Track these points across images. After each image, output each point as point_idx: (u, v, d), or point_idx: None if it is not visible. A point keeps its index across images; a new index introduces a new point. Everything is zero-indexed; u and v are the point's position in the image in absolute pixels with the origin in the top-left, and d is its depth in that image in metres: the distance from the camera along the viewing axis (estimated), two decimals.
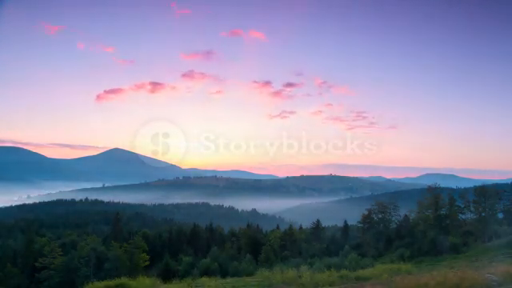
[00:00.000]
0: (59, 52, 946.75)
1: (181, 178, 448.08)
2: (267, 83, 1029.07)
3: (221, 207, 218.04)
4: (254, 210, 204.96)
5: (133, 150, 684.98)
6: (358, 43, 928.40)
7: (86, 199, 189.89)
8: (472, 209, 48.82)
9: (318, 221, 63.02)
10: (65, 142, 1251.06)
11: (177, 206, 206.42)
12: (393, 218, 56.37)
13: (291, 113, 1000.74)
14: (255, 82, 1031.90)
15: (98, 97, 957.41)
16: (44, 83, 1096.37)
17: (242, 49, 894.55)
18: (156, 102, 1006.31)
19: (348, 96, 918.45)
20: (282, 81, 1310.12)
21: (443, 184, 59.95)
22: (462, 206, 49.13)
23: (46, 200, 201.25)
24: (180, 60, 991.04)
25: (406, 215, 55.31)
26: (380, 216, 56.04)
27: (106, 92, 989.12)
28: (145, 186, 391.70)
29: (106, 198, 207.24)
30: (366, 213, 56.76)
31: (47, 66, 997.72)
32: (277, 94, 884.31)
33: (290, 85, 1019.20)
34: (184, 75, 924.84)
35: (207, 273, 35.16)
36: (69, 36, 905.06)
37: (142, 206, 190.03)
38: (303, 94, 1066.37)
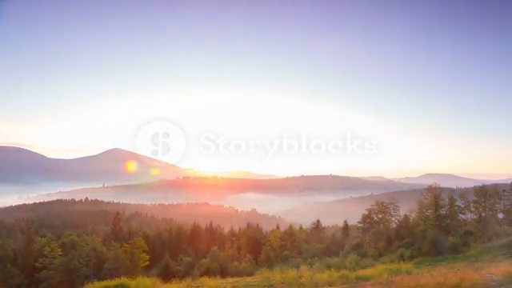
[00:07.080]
0: (61, 51, 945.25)
1: (181, 178, 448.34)
2: None
3: (221, 207, 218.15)
4: (253, 210, 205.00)
5: (133, 150, 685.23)
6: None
7: (86, 199, 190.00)
8: (472, 209, 48.85)
9: (318, 221, 63.04)
10: (65, 142, 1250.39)
11: (177, 206, 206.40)
12: (393, 218, 56.36)
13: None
14: None
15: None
16: (44, 83, 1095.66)
17: None
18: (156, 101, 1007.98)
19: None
20: None
21: (443, 184, 59.88)
22: (462, 206, 49.11)
23: (46, 200, 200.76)
24: None
25: (405, 215, 55.24)
26: (380, 216, 56.04)
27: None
28: (145, 186, 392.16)
29: (105, 198, 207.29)
30: (366, 213, 56.78)
31: (47, 66, 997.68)
32: None
33: None
34: None
35: (207, 273, 35.20)
36: (77, 37, 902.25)
37: (142, 206, 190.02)
38: None
